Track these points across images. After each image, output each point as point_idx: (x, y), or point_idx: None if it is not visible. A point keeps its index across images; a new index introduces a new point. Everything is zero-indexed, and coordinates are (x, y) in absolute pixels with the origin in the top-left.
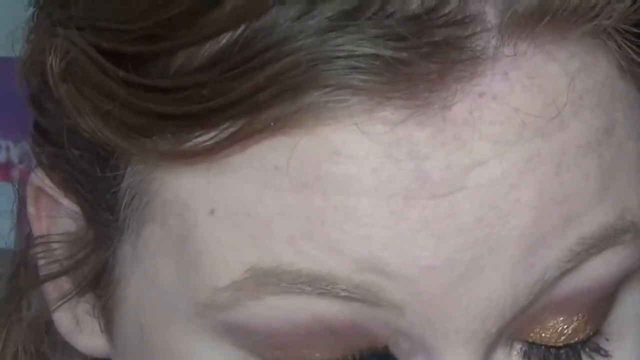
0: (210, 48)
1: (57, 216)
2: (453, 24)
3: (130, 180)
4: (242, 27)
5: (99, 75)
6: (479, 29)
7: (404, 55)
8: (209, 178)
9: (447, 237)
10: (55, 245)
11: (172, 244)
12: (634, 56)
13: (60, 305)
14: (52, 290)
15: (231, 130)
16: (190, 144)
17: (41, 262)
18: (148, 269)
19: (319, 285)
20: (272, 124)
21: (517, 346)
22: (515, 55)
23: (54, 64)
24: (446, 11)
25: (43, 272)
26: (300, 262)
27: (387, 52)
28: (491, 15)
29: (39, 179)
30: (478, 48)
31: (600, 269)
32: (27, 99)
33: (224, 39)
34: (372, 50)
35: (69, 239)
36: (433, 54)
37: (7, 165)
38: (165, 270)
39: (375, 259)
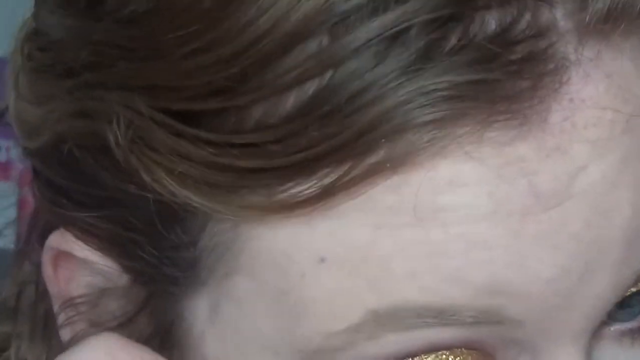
0: (297, 96)
1: (79, 276)
2: (532, 37)
3: (210, 238)
4: (330, 73)
5: (170, 138)
6: (555, 38)
7: (497, 75)
8: (312, 226)
9: (562, 247)
10: (83, 308)
11: (267, 294)
12: None
13: None
14: None
15: (334, 176)
16: (285, 194)
17: (67, 330)
18: (234, 320)
19: (444, 316)
20: (387, 165)
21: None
22: (596, 57)
23: (118, 134)
24: (523, 26)
25: (79, 336)
26: (424, 298)
27: (482, 75)
28: (562, 22)
29: (66, 242)
30: (560, 56)
31: None
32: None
33: (312, 86)
34: (468, 77)
35: (99, 298)
36: (523, 70)
37: (7, 165)
38: (258, 319)
39: (498, 281)
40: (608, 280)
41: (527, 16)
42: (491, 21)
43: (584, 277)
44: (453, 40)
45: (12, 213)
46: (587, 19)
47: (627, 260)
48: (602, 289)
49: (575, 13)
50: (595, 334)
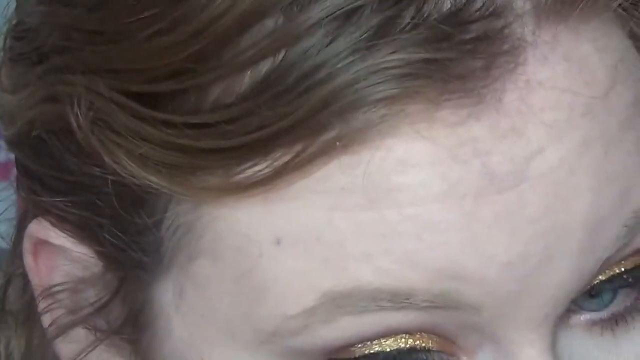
0: (251, 76)
1: (60, 265)
2: (488, 17)
3: (172, 220)
4: (283, 53)
5: (130, 120)
6: (511, 18)
7: (451, 54)
8: (268, 207)
9: (519, 231)
10: (61, 296)
11: (228, 276)
12: None
13: (86, 355)
14: (67, 341)
15: (288, 156)
16: (242, 175)
17: (47, 316)
18: (198, 303)
19: (399, 299)
20: (337, 144)
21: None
22: (553, 39)
23: (79, 116)
24: (478, 5)
25: (58, 323)
26: (379, 280)
27: (435, 54)
28: (520, 2)
29: (43, 229)
30: (516, 37)
31: None
32: (11, 146)
33: (265, 66)
34: (420, 55)
35: (77, 286)
36: (477, 49)
37: (7, 165)
38: (221, 303)
39: (453, 265)
40: (569, 268)
41: None
42: (446, 0)
43: (543, 263)
44: (406, 19)
45: (12, 213)
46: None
47: (590, 247)
48: (563, 276)
49: None
50: (564, 322)
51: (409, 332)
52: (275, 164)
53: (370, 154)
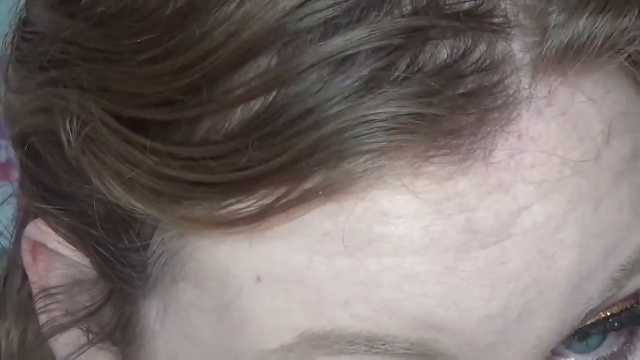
0: (242, 114)
1: (58, 267)
2: (483, 71)
3: (158, 244)
4: (274, 94)
5: (120, 144)
6: (509, 72)
7: (440, 110)
8: (251, 244)
9: (500, 286)
10: (59, 297)
11: (210, 305)
12: None
13: (79, 356)
14: (62, 341)
15: (272, 197)
16: (226, 211)
17: (44, 316)
18: (181, 324)
19: (376, 345)
20: (320, 192)
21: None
22: (550, 94)
23: (71, 135)
24: (475, 58)
25: (54, 323)
26: (356, 325)
27: (423, 110)
28: (519, 55)
29: (41, 232)
30: (511, 92)
31: (636, 283)
32: (14, 145)
33: (257, 105)
34: (409, 110)
35: (73, 289)
36: (468, 105)
37: (7, 165)
38: (202, 327)
39: (431, 316)
40: (549, 322)
41: (482, 48)
42: (443, 52)
43: (523, 316)
44: (399, 71)
45: (12, 213)
46: (543, 53)
47: (573, 301)
48: (544, 329)
49: (534, 47)
50: None
51: None
52: (260, 203)
53: (354, 204)
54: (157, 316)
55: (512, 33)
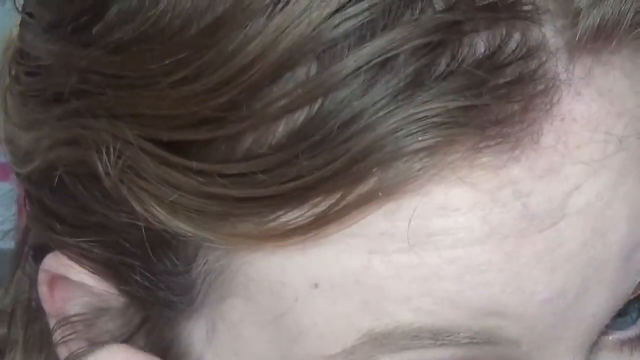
0: (287, 125)
1: (78, 297)
2: (521, 59)
3: (203, 265)
4: (319, 102)
5: (160, 168)
6: (544, 57)
7: (486, 100)
8: (304, 253)
9: (558, 268)
10: (78, 327)
11: (262, 318)
12: None
13: None
14: None
15: (326, 204)
16: (276, 223)
17: (64, 348)
18: (231, 341)
19: (440, 337)
20: (379, 194)
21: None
22: (587, 75)
23: (108, 164)
24: (512, 47)
25: (76, 355)
26: (419, 320)
27: (471, 101)
28: (552, 40)
29: (62, 266)
30: (550, 75)
31: None
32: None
33: (302, 114)
34: (457, 103)
35: (95, 319)
36: (512, 93)
37: (7, 165)
38: (256, 342)
39: (494, 303)
40: (604, 297)
41: (516, 37)
42: (480, 44)
43: (580, 295)
44: (442, 66)
45: (12, 213)
46: (577, 36)
47: (624, 274)
48: (599, 305)
49: (565, 30)
50: (594, 345)
51: None
52: (313, 212)
53: (411, 201)
54: (204, 337)
55: (543, 18)
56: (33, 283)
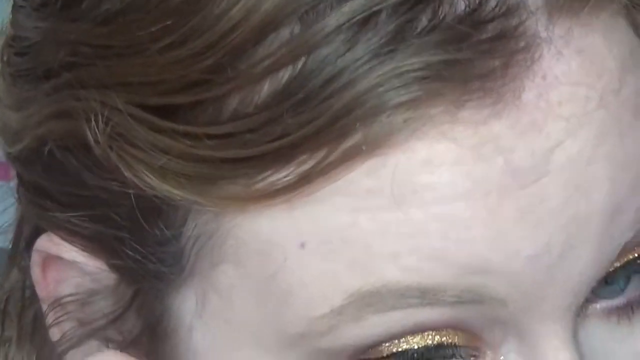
0: (271, 85)
1: (70, 277)
2: (502, 15)
3: (193, 230)
4: (302, 61)
5: (148, 133)
6: (525, 16)
7: (468, 54)
8: (291, 212)
9: (542, 224)
10: (71, 308)
11: (252, 281)
12: None
13: None
14: (79, 355)
15: (311, 162)
16: (264, 183)
17: (56, 330)
18: (222, 310)
19: (427, 296)
20: (363, 148)
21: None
22: (566, 34)
23: (97, 132)
24: (492, 5)
25: (68, 337)
26: (406, 278)
27: (453, 55)
28: (531, 0)
29: (54, 245)
30: (531, 33)
31: None
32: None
33: (285, 74)
34: (440, 57)
35: (88, 298)
36: (494, 49)
37: (7, 165)
38: (246, 307)
39: (479, 260)
40: (589, 256)
41: None
42: (460, 1)
43: (565, 252)
44: (423, 22)
45: (12, 213)
46: None
47: (609, 234)
48: (584, 264)
49: None
50: (582, 312)
51: (436, 329)
52: (299, 170)
53: (395, 156)
54: (194, 307)
55: None
56: (26, 271)
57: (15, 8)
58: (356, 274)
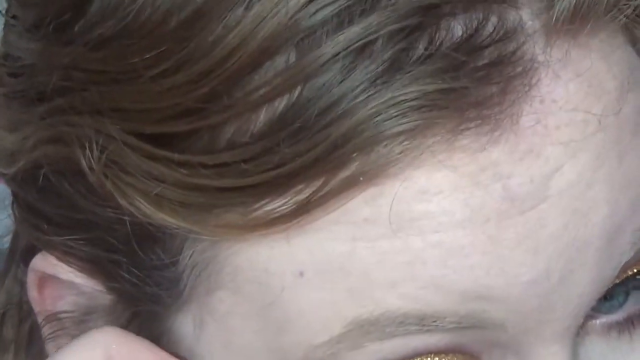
0: (267, 113)
1: (66, 295)
2: (499, 41)
3: (189, 257)
4: (298, 89)
5: (143, 161)
6: (522, 39)
7: (465, 82)
8: (289, 241)
9: (541, 249)
10: (67, 323)
11: (250, 308)
12: None
13: None
14: None
15: (308, 191)
16: (261, 211)
17: (53, 345)
18: (220, 334)
19: (426, 323)
20: (361, 178)
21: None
22: (564, 57)
23: (91, 159)
24: (489, 30)
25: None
26: (405, 306)
27: (450, 84)
28: (529, 23)
29: (50, 265)
30: (528, 57)
31: None
32: (11, 183)
33: (281, 103)
34: (436, 86)
35: (84, 316)
36: (491, 75)
37: None
38: (244, 333)
39: (478, 287)
40: (588, 278)
41: (493, 19)
42: (457, 27)
43: (564, 277)
44: (420, 50)
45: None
46: (554, 18)
47: (608, 256)
48: (583, 287)
49: (542, 13)
50: (582, 329)
51: (435, 353)
52: (296, 199)
53: (392, 185)
54: (192, 331)
55: (519, 1)
56: (23, 286)
57: (7, 26)
58: (355, 303)
